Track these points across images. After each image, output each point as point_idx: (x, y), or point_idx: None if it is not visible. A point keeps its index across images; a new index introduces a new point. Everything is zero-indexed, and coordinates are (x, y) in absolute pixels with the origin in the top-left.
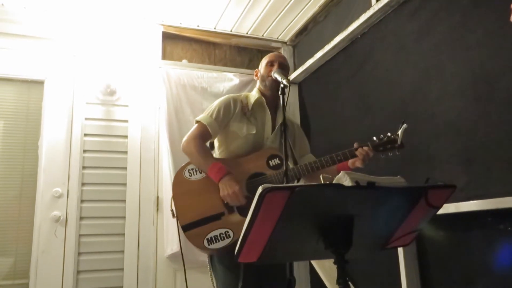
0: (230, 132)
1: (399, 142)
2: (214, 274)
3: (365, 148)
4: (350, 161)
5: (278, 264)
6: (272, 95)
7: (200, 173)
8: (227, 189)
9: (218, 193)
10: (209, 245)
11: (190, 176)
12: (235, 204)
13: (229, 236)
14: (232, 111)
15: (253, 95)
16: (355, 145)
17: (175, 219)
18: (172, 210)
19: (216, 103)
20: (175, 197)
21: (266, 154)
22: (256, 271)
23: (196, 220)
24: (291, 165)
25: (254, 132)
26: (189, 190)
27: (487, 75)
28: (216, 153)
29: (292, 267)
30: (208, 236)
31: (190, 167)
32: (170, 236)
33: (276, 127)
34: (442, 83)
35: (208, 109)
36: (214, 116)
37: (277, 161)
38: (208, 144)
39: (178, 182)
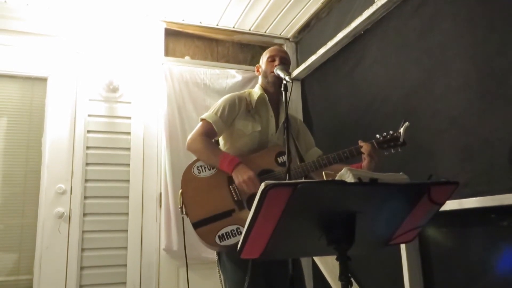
0: (236, 130)
1: (401, 139)
2: (222, 270)
3: (369, 144)
4: (363, 164)
5: (286, 260)
6: (275, 91)
7: (209, 170)
8: (242, 176)
9: (228, 190)
10: (220, 242)
11: (199, 173)
12: (251, 191)
13: (240, 233)
14: (237, 109)
15: (256, 92)
16: (360, 142)
17: (173, 216)
18: (181, 207)
19: (221, 101)
20: (184, 194)
21: (274, 151)
22: (264, 267)
23: (207, 217)
24: (297, 162)
25: (260, 129)
26: (198, 187)
27: (494, 72)
28: None
29: (298, 263)
30: (220, 233)
31: (198, 164)
32: (175, 232)
33: (280, 124)
34: (447, 79)
35: (213, 107)
36: (219, 114)
37: (285, 158)
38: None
39: (187, 179)
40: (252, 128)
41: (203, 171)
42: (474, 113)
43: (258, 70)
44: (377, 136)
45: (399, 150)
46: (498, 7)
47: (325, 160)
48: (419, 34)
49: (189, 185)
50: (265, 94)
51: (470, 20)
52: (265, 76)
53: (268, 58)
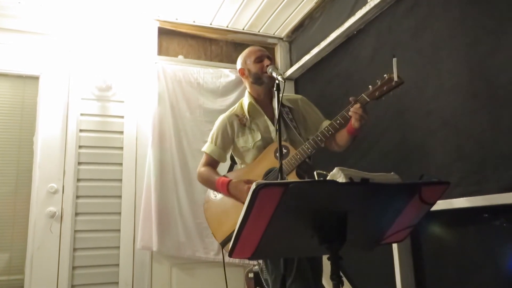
0: (240, 148)
1: (396, 78)
2: (266, 271)
3: (355, 106)
4: (351, 122)
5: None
6: (268, 90)
7: None
8: (236, 193)
9: (241, 203)
10: None
11: (215, 196)
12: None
13: None
14: (231, 133)
15: (245, 101)
16: (350, 99)
17: (155, 215)
18: (213, 233)
19: (215, 128)
20: (208, 219)
21: (272, 150)
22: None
23: (230, 233)
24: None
25: (260, 138)
26: (217, 209)
27: (485, 72)
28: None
29: (293, 261)
30: None
31: None
32: (155, 232)
33: (275, 121)
34: (439, 80)
35: (210, 135)
36: (214, 142)
37: (283, 151)
38: (229, 160)
39: (208, 204)
40: (253, 140)
41: (218, 194)
42: (466, 114)
43: (243, 74)
44: (369, 86)
45: (399, 89)
46: (490, 8)
47: (320, 136)
48: (412, 35)
49: (211, 210)
50: (254, 101)
51: (462, 21)
52: (257, 77)
53: (254, 59)
